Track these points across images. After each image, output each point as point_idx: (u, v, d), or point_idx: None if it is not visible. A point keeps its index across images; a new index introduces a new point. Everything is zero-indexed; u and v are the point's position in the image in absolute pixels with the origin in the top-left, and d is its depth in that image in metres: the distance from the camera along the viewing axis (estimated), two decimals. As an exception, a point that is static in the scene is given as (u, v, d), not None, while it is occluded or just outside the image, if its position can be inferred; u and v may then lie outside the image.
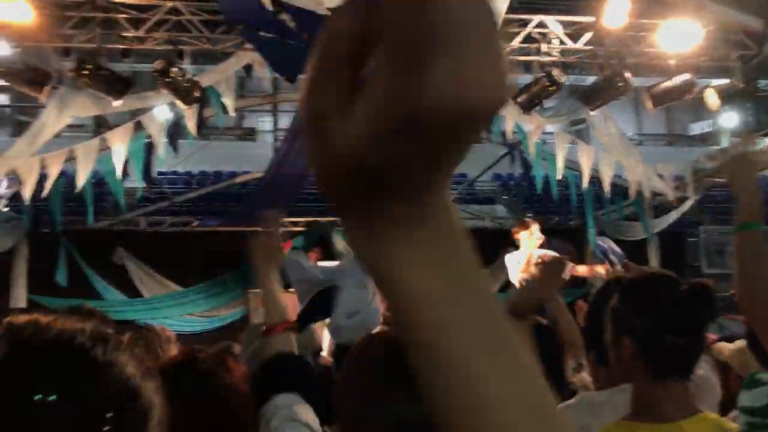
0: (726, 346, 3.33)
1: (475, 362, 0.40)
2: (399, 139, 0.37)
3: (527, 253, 6.80)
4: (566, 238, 12.30)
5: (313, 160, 0.40)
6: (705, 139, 21.81)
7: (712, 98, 8.53)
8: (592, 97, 8.52)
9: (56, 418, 0.66)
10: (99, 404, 0.68)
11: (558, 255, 2.59)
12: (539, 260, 2.43)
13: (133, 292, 11.12)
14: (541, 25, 8.29)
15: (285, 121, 12.05)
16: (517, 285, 6.89)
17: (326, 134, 0.38)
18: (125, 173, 8.93)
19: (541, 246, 6.86)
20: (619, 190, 10.41)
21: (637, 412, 1.71)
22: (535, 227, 6.91)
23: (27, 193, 8.24)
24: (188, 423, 1.59)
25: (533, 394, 0.42)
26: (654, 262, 10.40)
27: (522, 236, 6.89)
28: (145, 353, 0.78)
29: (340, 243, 12.49)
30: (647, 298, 1.75)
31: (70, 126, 8.60)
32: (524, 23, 8.26)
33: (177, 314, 10.44)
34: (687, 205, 10.35)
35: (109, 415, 0.68)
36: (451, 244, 0.42)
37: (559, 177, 9.75)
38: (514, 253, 7.08)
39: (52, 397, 0.65)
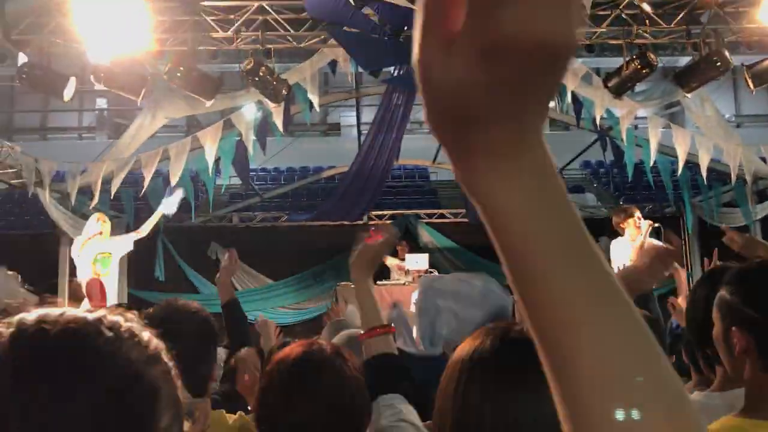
0: None
1: (561, 275, 0.46)
2: (488, 68, 0.43)
3: (638, 240, 6.78)
4: (663, 225, 11.89)
5: (424, 95, 0.46)
6: (811, 118, 20.53)
7: (820, 74, 7.99)
8: (687, 78, 8.14)
9: (53, 404, 0.67)
10: (96, 391, 0.69)
11: (667, 246, 2.46)
12: (650, 247, 2.33)
13: (227, 285, 11.49)
14: (631, 5, 7.98)
15: (368, 116, 12.13)
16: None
17: (434, 69, 0.45)
18: (217, 171, 9.21)
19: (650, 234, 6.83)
20: (718, 175, 9.94)
21: (750, 409, 1.61)
22: (638, 214, 6.96)
23: (113, 190, 8.57)
24: (314, 412, 1.61)
25: (611, 302, 0.46)
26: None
27: (627, 224, 6.91)
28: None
29: (425, 236, 12.51)
30: (759, 286, 1.65)
31: (163, 126, 8.94)
32: (615, 4, 7.97)
33: (268, 306, 10.72)
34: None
35: (107, 402, 0.69)
36: (543, 173, 0.47)
37: (651, 162, 9.40)
38: (620, 239, 7.10)
39: (47, 385, 0.67)
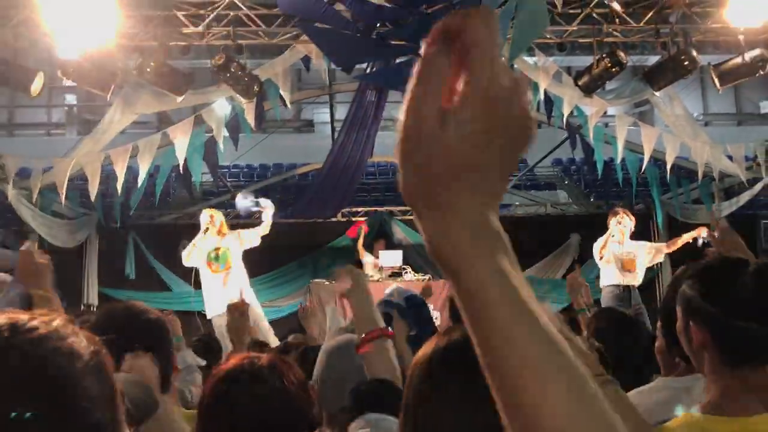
0: None
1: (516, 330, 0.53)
2: (485, 143, 0.52)
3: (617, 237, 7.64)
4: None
5: (408, 161, 0.54)
6: (777, 117, 20.92)
7: (785, 73, 8.15)
8: (656, 77, 8.26)
9: None
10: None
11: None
12: (720, 225, 2.37)
13: (197, 283, 11.39)
14: (601, 4, 8.07)
15: (342, 112, 12.11)
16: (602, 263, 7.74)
17: (428, 138, 0.52)
18: (186, 168, 9.12)
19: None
20: (687, 172, 10.10)
21: (710, 405, 1.64)
22: (620, 215, 7.76)
23: (94, 189, 8.50)
24: (246, 425, 1.62)
25: (556, 354, 0.53)
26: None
27: (611, 222, 7.69)
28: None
29: (399, 233, 12.52)
30: (715, 282, 1.68)
31: (133, 123, 8.84)
32: (585, 3, 8.05)
33: (241, 305, 10.63)
34: (759, 187, 9.96)
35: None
36: (500, 238, 0.55)
37: (618, 160, 9.52)
38: (600, 239, 7.82)
39: None
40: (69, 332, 0.78)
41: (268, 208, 7.67)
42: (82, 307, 9.72)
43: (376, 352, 1.90)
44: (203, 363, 3.63)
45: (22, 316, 0.77)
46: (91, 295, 10.68)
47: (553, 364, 0.52)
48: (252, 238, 7.56)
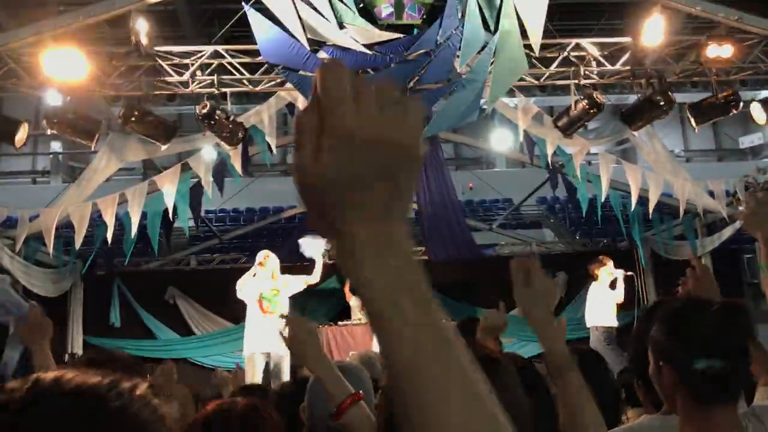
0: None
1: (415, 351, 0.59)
2: (342, 163, 0.59)
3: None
4: (617, 260, 12.12)
5: (303, 198, 0.60)
6: (756, 152, 21.26)
7: (758, 112, 8.34)
8: (633, 117, 8.42)
9: None
10: None
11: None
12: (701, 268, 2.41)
13: (185, 329, 11.30)
14: (577, 48, 8.25)
15: (327, 156, 12.22)
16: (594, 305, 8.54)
17: (307, 173, 0.59)
18: (174, 214, 9.14)
19: (613, 282, 8.66)
20: (670, 209, 10.21)
21: None
22: (610, 263, 8.58)
23: (80, 238, 8.48)
24: None
25: (462, 376, 0.59)
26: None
27: (600, 272, 8.51)
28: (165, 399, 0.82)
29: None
30: (679, 323, 1.72)
31: (119, 170, 8.86)
32: (561, 47, 8.23)
33: (228, 351, 10.54)
34: (740, 222, 10.07)
35: None
36: (401, 255, 0.61)
37: (603, 198, 9.63)
38: (594, 284, 8.71)
39: None
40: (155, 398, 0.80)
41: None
42: (66, 356, 9.59)
43: (353, 417, 1.89)
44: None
45: (116, 379, 0.78)
46: (76, 344, 10.56)
47: (451, 381, 0.58)
48: (297, 285, 7.69)
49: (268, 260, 7.47)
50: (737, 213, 9.14)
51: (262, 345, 7.13)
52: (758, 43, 8.02)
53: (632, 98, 10.44)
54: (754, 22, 7.69)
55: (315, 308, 10.42)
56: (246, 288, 7.46)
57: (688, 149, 21.95)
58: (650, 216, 10.59)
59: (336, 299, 10.33)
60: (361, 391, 1.94)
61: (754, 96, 9.11)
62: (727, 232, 10.27)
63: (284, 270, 7.76)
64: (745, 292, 11.28)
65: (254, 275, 7.48)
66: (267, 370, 7.27)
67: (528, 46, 7.49)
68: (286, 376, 6.89)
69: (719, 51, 7.62)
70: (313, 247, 7.66)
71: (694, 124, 8.25)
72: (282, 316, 2.12)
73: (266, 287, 7.37)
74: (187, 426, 1.76)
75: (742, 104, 8.16)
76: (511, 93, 8.59)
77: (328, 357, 2.04)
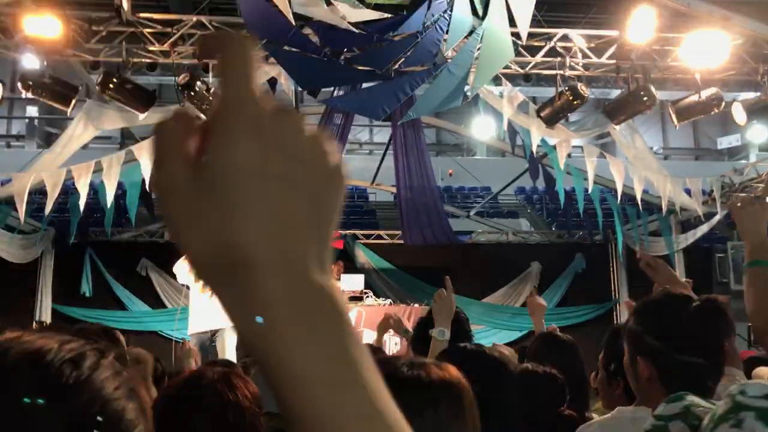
0: (765, 371, 3.26)
1: None
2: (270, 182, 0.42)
3: None
4: (592, 253, 12.24)
5: (177, 223, 0.44)
6: (733, 153, 21.52)
7: (739, 113, 8.40)
8: (616, 111, 8.44)
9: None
10: (66, 422, 0.65)
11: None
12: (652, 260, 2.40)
13: (157, 302, 11.21)
14: (564, 38, 8.24)
15: (308, 134, 12.13)
16: None
17: (182, 193, 0.44)
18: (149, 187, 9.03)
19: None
20: (645, 204, 10.29)
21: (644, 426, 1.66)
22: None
23: (50, 204, 8.34)
24: None
25: None
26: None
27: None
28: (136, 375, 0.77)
29: (362, 256, 12.51)
30: (659, 318, 1.72)
31: (96, 138, 8.71)
32: (548, 37, 8.22)
33: (199, 326, 10.48)
34: (715, 221, 10.20)
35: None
36: (334, 328, 0.43)
37: (589, 190, 9.69)
38: None
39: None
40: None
41: None
42: (34, 324, 9.47)
43: None
44: None
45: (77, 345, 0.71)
46: (44, 312, 10.43)
47: None
48: None
49: None
50: (731, 201, 9.20)
51: (201, 325, 7.25)
52: (743, 43, 8.06)
53: (615, 93, 10.50)
54: (740, 22, 7.72)
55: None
56: (183, 272, 7.49)
57: (667, 147, 22.15)
58: (628, 210, 10.68)
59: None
60: None
61: (734, 97, 9.17)
62: (703, 229, 10.39)
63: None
64: (714, 291, 11.45)
65: None
66: (209, 349, 7.28)
67: (515, 34, 7.46)
68: (228, 354, 6.85)
69: (704, 49, 7.64)
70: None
71: (675, 121, 8.30)
72: None
73: None
74: (157, 396, 1.71)
75: (723, 104, 8.22)
76: (496, 81, 8.56)
77: None
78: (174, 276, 10.86)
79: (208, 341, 7.29)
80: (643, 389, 1.75)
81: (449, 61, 7.66)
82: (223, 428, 1.60)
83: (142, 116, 7.87)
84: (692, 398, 1.54)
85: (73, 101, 7.47)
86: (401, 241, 11.13)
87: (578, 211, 11.43)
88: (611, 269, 12.25)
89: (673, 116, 8.26)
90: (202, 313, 7.17)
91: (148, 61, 7.99)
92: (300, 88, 8.70)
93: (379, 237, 12.48)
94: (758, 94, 8.71)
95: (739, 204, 2.17)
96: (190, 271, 0.44)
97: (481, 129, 11.16)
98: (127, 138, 15.55)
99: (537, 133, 8.70)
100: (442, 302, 2.89)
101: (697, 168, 17.44)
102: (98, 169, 8.50)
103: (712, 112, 8.25)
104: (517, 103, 8.61)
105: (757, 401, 1.03)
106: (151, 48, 7.82)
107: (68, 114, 7.80)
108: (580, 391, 2.81)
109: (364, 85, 8.04)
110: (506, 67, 8.17)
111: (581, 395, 2.82)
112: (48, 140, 17.27)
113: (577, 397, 2.74)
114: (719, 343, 1.69)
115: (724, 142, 21.47)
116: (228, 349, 7.05)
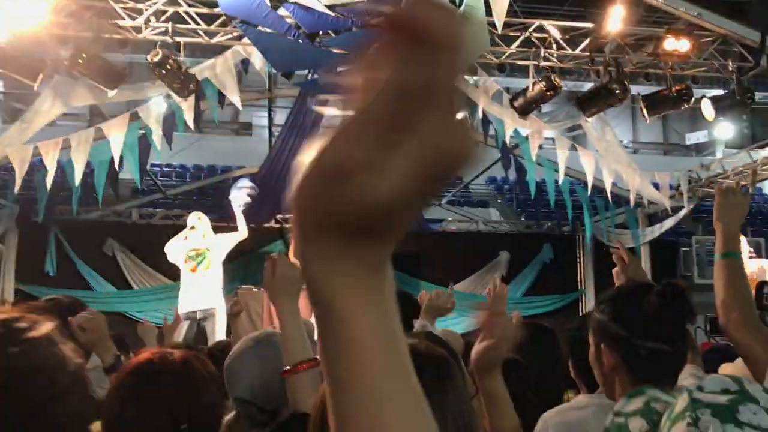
0: (730, 369, 3.31)
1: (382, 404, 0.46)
2: (428, 194, 0.44)
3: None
4: (560, 243, 12.37)
5: (318, 201, 0.44)
6: (701, 149, 21.86)
7: (708, 109, 8.53)
8: (588, 103, 8.50)
9: None
10: None
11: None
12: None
13: (123, 283, 11.08)
14: (540, 29, 8.27)
15: (281, 117, 12.02)
16: None
17: (350, 183, 0.42)
18: (120, 165, 8.89)
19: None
20: (614, 197, 10.42)
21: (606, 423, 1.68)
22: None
23: (19, 181, 8.18)
24: (158, 419, 1.58)
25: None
26: (645, 270, 10.40)
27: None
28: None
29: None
30: (623, 306, 1.74)
31: (64, 114, 8.54)
32: (524, 27, 8.24)
33: (165, 307, 10.36)
34: (681, 215, 10.36)
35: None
36: (390, 293, 0.48)
37: (560, 181, 9.77)
38: None
39: None
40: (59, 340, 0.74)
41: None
42: (-5, 302, 9.30)
43: (304, 381, 1.80)
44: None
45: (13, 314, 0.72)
46: (7, 290, 10.24)
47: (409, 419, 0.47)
48: (226, 243, 7.62)
49: (200, 222, 7.47)
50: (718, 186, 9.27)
51: (190, 305, 7.19)
52: (714, 41, 8.18)
53: (587, 86, 10.57)
54: (712, 19, 7.82)
55: (257, 271, 10.31)
56: (174, 250, 7.48)
57: (637, 141, 22.42)
58: (597, 202, 10.80)
59: (280, 263, 10.26)
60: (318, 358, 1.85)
61: (704, 94, 9.32)
62: (670, 223, 10.55)
63: (224, 231, 7.73)
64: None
65: (185, 238, 7.45)
66: (198, 331, 7.26)
67: (491, 24, 7.46)
68: (219, 336, 6.84)
69: (676, 45, 7.74)
70: (237, 199, 7.67)
71: (646, 115, 8.40)
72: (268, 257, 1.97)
73: (192, 247, 7.36)
74: (116, 376, 1.69)
75: (693, 100, 8.34)
76: (472, 70, 8.57)
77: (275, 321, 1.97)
78: (146, 257, 10.75)
79: (196, 323, 7.26)
80: (608, 378, 1.77)
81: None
82: (182, 409, 1.59)
83: (111, 93, 7.74)
84: (653, 392, 1.56)
85: (41, 76, 7.30)
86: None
87: (548, 202, 11.52)
88: (578, 260, 12.40)
89: (644, 110, 8.36)
90: (190, 294, 7.22)
91: (119, 37, 7.83)
92: (274, 70, 8.61)
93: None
94: (726, 91, 8.86)
95: (723, 189, 2.18)
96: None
97: (455, 117, 11.12)
98: (95, 115, 15.26)
99: (511, 124, 8.74)
100: (437, 302, 2.92)
101: (665, 162, 17.69)
102: (66, 146, 8.34)
103: (682, 108, 8.37)
104: (491, 92, 8.64)
105: (713, 397, 1.02)
106: (122, 23, 7.68)
107: (35, 89, 7.63)
108: (553, 378, 2.83)
109: (340, 68, 7.99)
110: (481, 57, 8.18)
111: (554, 382, 2.84)
112: (15, 116, 16.88)
113: (550, 384, 2.76)
114: (682, 328, 1.72)
115: (693, 138, 21.80)
116: (218, 331, 7.02)
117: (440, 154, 0.42)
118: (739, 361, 2.96)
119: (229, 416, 2.03)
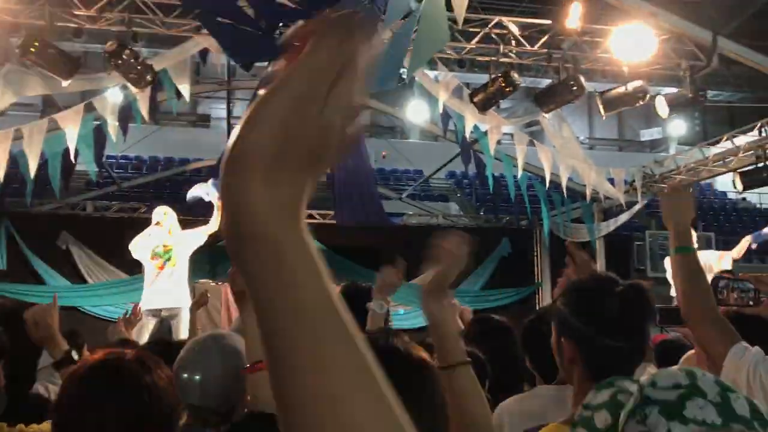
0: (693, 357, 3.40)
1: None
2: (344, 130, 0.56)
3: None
4: (517, 237, 12.52)
5: (286, 128, 0.53)
6: (655, 145, 22.35)
7: (661, 106, 8.72)
8: (546, 99, 8.62)
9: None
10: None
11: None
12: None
13: (77, 277, 10.85)
14: (499, 25, 8.34)
15: (240, 109, 11.90)
16: None
17: (309, 110, 0.54)
18: (76, 157, 8.69)
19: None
20: (570, 192, 10.59)
21: (574, 416, 1.71)
22: None
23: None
24: (113, 423, 1.56)
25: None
26: (600, 264, 10.60)
27: None
28: None
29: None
30: (584, 300, 1.77)
31: (16, 104, 8.31)
32: (484, 23, 8.30)
33: (121, 302, 10.19)
34: (635, 209, 10.57)
35: None
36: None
37: (519, 177, 9.87)
38: None
39: None
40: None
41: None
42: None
43: (264, 379, 1.82)
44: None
45: None
46: (-44, 285, 9.95)
47: (353, 371, 0.52)
48: (195, 239, 7.42)
49: (166, 217, 7.28)
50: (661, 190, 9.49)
51: (155, 302, 7.06)
52: (668, 39, 8.35)
53: (545, 83, 10.72)
54: (667, 19, 7.99)
55: (226, 266, 10.20)
56: (139, 248, 7.31)
57: (593, 137, 22.81)
58: (554, 197, 10.95)
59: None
60: None
61: (658, 91, 9.52)
62: (624, 218, 10.76)
63: (188, 224, 7.58)
64: (631, 277, 11.89)
65: (149, 235, 7.29)
66: (161, 329, 7.15)
67: (451, 19, 7.49)
68: (183, 334, 6.75)
69: (632, 43, 7.88)
70: (202, 190, 7.55)
71: (602, 111, 8.54)
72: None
73: (158, 243, 7.21)
74: (68, 377, 1.66)
75: (647, 97, 8.51)
76: (431, 64, 8.60)
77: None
78: (105, 252, 10.55)
79: (159, 321, 7.14)
80: (567, 370, 1.80)
81: (386, 41, 7.64)
82: (139, 409, 1.57)
83: (65, 83, 7.56)
84: (621, 384, 1.59)
85: (-9, 65, 7.09)
86: (332, 222, 11.11)
87: (507, 196, 11.65)
88: (535, 254, 12.56)
89: (601, 107, 8.50)
90: (155, 291, 7.06)
91: (73, 26, 7.65)
92: (233, 62, 8.51)
93: (311, 216, 12.41)
94: (680, 89, 9.06)
95: (666, 190, 2.25)
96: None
97: (415, 112, 11.19)
98: (48, 106, 14.90)
99: (471, 119, 8.80)
100: (389, 279, 2.93)
101: (620, 158, 18.04)
102: (18, 137, 8.12)
103: (637, 105, 8.54)
104: (452, 87, 8.68)
105: (663, 393, 1.03)
106: (77, 12, 7.50)
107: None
108: (511, 373, 2.87)
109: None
110: (441, 51, 8.22)
111: (512, 377, 2.88)
112: (-38, 105, 16.37)
113: (508, 379, 2.80)
114: (641, 327, 1.75)
115: (647, 135, 22.28)
116: (182, 329, 6.91)
117: (349, 102, 0.55)
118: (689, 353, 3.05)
119: (183, 419, 2.02)
